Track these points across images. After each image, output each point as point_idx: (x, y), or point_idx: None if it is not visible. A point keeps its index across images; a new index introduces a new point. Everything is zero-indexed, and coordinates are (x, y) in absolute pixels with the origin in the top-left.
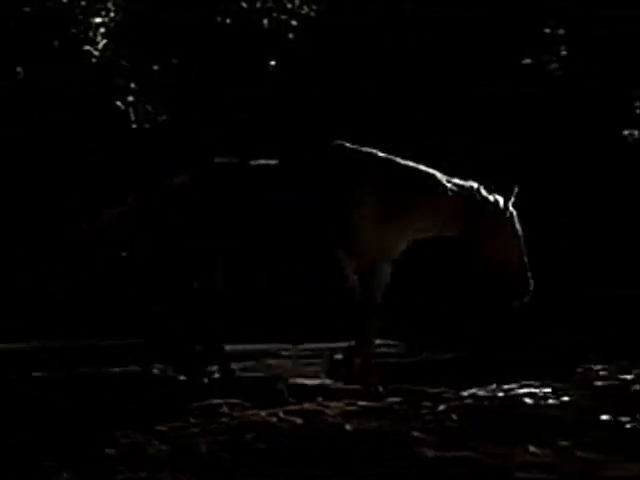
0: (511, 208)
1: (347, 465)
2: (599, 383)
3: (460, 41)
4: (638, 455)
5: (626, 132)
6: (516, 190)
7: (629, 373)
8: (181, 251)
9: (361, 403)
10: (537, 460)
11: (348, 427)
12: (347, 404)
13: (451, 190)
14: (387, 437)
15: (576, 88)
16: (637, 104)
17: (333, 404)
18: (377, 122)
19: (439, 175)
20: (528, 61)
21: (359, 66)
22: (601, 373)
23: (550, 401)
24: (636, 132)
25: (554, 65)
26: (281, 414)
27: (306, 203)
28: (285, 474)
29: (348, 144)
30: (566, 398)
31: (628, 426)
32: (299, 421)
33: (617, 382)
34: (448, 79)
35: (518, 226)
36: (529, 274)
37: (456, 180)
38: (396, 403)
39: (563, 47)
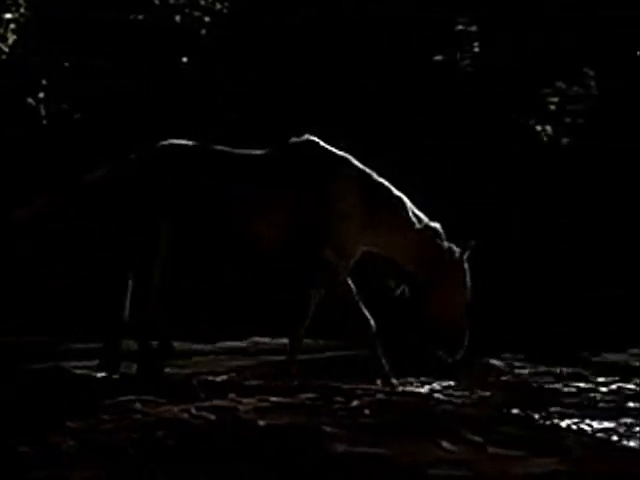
0: (465, 263)
1: (259, 460)
2: (506, 378)
3: (371, 38)
4: (549, 450)
5: (539, 128)
6: (473, 244)
7: (529, 368)
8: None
9: (274, 399)
10: (449, 456)
11: (261, 423)
12: (260, 400)
13: (419, 222)
14: (299, 433)
15: (488, 84)
16: (549, 100)
17: (246, 400)
18: (290, 119)
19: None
20: (439, 58)
21: (271, 62)
22: (505, 369)
23: (462, 397)
24: (549, 128)
25: (466, 62)
26: (193, 410)
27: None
28: (197, 470)
29: (321, 142)
30: (477, 394)
31: (539, 421)
32: (212, 417)
33: (525, 377)
34: (365, 75)
35: (469, 280)
36: (466, 332)
37: (420, 214)
38: (309, 399)
39: (476, 44)
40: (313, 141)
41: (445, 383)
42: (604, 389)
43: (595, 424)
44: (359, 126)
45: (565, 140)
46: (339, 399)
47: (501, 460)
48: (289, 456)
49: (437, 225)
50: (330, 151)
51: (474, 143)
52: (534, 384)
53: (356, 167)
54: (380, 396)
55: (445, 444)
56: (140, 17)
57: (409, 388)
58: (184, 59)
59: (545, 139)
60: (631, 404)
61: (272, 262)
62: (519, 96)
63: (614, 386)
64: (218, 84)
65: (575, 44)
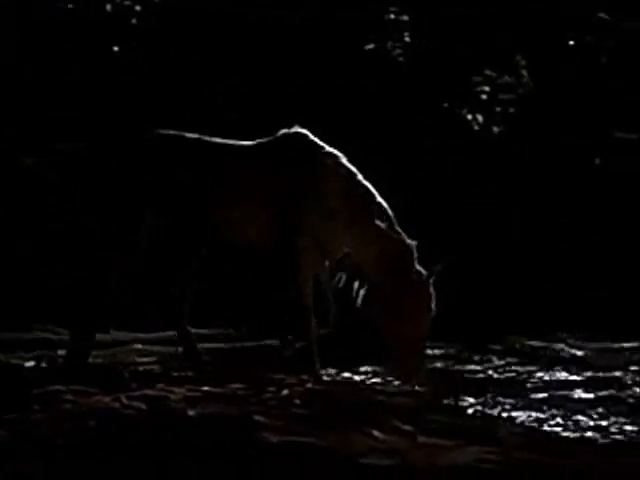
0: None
1: (189, 450)
2: (439, 365)
3: (301, 27)
4: (479, 439)
5: (470, 117)
6: (439, 269)
7: (463, 357)
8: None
9: (204, 388)
10: (380, 446)
11: (191, 412)
12: (190, 390)
13: (397, 235)
14: (230, 422)
15: (420, 74)
16: (480, 89)
17: (176, 390)
18: (221, 110)
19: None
20: (371, 47)
21: (204, 52)
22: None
23: (393, 387)
24: (480, 117)
25: (398, 51)
26: (124, 400)
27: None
28: (129, 460)
29: (310, 135)
30: (409, 383)
31: (469, 410)
32: (143, 407)
33: (456, 367)
34: (294, 65)
35: (433, 305)
36: (421, 358)
37: (399, 228)
38: (240, 388)
39: (406, 33)
40: (302, 133)
41: (377, 372)
42: (536, 378)
43: (526, 414)
44: (293, 117)
45: (496, 129)
46: (270, 389)
47: (431, 449)
48: (220, 446)
49: (413, 243)
50: (319, 145)
51: (407, 132)
52: (466, 374)
53: (344, 165)
54: (311, 386)
55: (376, 433)
56: (70, 6)
57: (340, 377)
58: (115, 48)
59: (476, 128)
60: (562, 393)
61: (257, 257)
62: (450, 85)
63: (547, 376)
64: (151, 72)
65: (506, 32)
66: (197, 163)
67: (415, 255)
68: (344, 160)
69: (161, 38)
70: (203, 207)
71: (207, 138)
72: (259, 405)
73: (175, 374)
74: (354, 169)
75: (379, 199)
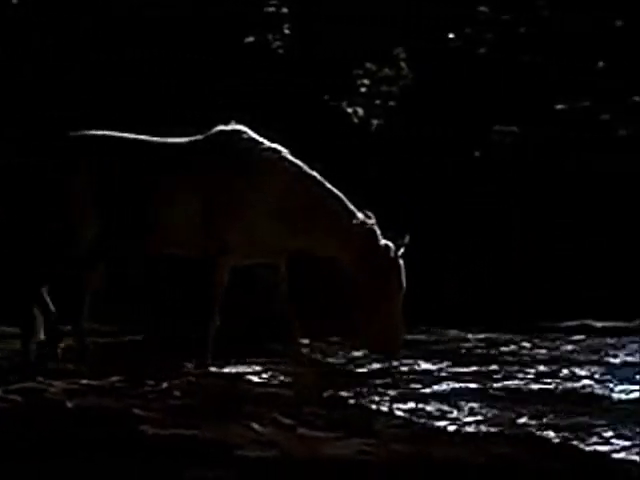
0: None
1: (67, 443)
2: (322, 361)
3: (181, 20)
4: (359, 431)
5: (350, 110)
6: (406, 241)
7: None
8: None
9: (83, 381)
10: (259, 438)
11: (70, 405)
12: (69, 383)
13: (354, 218)
14: (109, 415)
15: (301, 66)
16: (360, 82)
17: (55, 383)
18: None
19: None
20: (251, 39)
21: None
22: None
23: (273, 378)
24: (360, 110)
25: (278, 43)
26: (0, 393)
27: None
28: (2, 454)
29: (250, 131)
30: (289, 375)
31: (351, 402)
32: (19, 400)
33: (336, 360)
34: (172, 59)
35: (403, 278)
36: (400, 331)
37: (354, 209)
38: (118, 381)
39: (287, 25)
40: (240, 130)
41: (258, 365)
42: (419, 370)
43: (406, 406)
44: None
45: (375, 122)
46: (149, 381)
47: (311, 441)
48: (99, 438)
49: (372, 221)
50: (258, 140)
51: (287, 125)
52: (348, 366)
53: (288, 160)
54: (190, 378)
55: (255, 426)
56: None
57: (221, 370)
58: None
59: (356, 121)
60: (445, 386)
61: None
62: (330, 78)
63: (434, 367)
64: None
65: (386, 25)
66: (125, 163)
67: (378, 231)
68: (288, 155)
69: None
70: (135, 209)
71: (135, 136)
72: (138, 398)
73: (56, 367)
74: (300, 163)
75: (331, 188)
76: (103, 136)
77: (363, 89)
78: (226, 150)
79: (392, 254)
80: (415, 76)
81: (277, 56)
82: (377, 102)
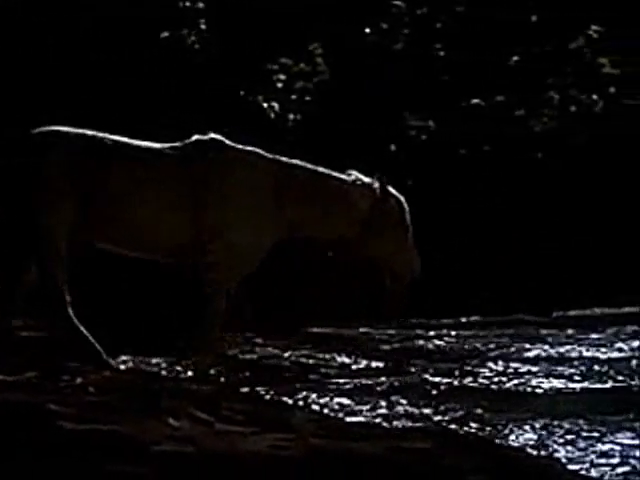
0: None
1: None
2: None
3: (95, 15)
4: (275, 426)
5: (265, 105)
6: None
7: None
8: None
9: None
10: (174, 433)
11: None
12: None
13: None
14: (24, 411)
15: (217, 61)
16: (275, 77)
17: None
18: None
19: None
20: (166, 35)
21: None
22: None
23: (189, 374)
24: (276, 105)
25: (193, 39)
26: None
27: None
28: None
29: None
30: (207, 370)
31: (268, 397)
32: None
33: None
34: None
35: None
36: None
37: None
38: (34, 377)
39: (202, 20)
40: (217, 139)
41: (172, 359)
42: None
43: (323, 400)
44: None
45: (292, 117)
46: (64, 377)
47: (228, 437)
48: (14, 434)
49: (366, 179)
50: (235, 148)
51: (203, 120)
52: (264, 360)
53: (264, 157)
54: (106, 374)
55: (171, 421)
56: None
57: (135, 366)
58: None
59: (273, 116)
60: (364, 381)
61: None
62: (246, 73)
63: (349, 360)
64: None
65: (301, 20)
66: (111, 168)
67: (374, 185)
68: (268, 155)
69: None
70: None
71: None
72: (54, 393)
73: None
74: (284, 159)
75: (312, 166)
76: (76, 135)
77: (279, 84)
78: (210, 157)
79: (392, 202)
80: (331, 71)
81: (193, 51)
82: (293, 97)
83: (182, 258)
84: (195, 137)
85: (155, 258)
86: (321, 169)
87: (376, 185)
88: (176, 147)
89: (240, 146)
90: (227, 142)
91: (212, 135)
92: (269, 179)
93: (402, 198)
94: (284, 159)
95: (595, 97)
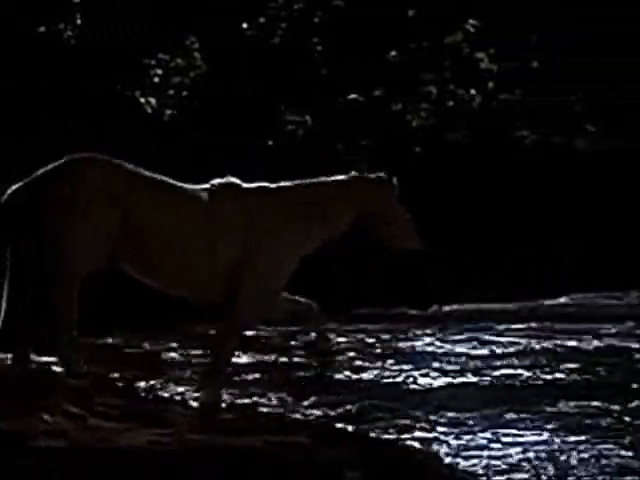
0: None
1: None
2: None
3: None
4: (152, 421)
5: (142, 100)
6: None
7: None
8: None
9: None
10: (48, 428)
11: None
12: None
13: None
14: None
15: (94, 56)
16: (152, 72)
17: None
18: None
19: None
20: (43, 30)
21: None
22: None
23: (57, 369)
24: (153, 100)
25: (70, 33)
26: None
27: None
28: None
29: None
30: (84, 366)
31: (145, 392)
32: None
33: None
34: None
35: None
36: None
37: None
38: None
39: (79, 15)
40: (233, 183)
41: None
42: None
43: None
44: None
45: (169, 112)
46: None
47: (103, 432)
48: None
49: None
50: (251, 190)
51: (83, 115)
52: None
53: (271, 191)
54: None
55: (46, 416)
56: None
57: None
58: None
59: (149, 111)
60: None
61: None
62: (123, 68)
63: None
64: None
65: (179, 14)
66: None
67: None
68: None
69: None
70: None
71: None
72: None
73: None
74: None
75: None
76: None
77: (156, 79)
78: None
79: (385, 184)
80: (208, 66)
81: (69, 46)
82: (170, 92)
83: (208, 297)
84: (216, 181)
85: (182, 294)
86: (310, 181)
87: (372, 177)
88: (202, 189)
89: (253, 185)
90: (244, 185)
91: (231, 179)
92: (290, 212)
93: (395, 183)
94: (284, 184)
95: (473, 92)
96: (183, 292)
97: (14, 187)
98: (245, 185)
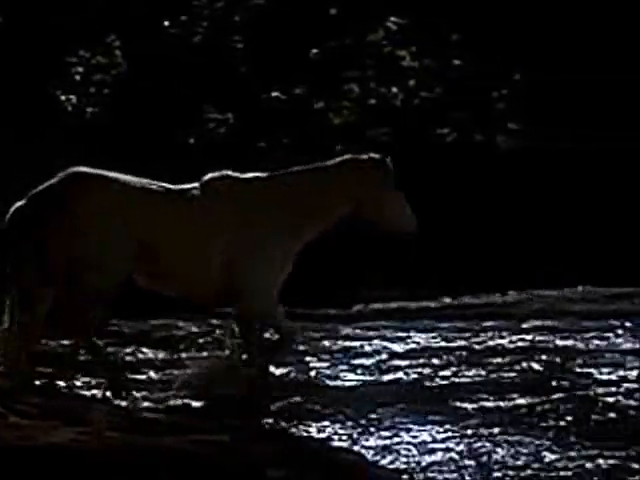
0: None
1: None
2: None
3: None
4: (73, 420)
5: (63, 98)
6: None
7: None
8: None
9: None
10: None
11: None
12: None
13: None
14: None
15: (14, 52)
16: (74, 70)
17: None
18: None
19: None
20: None
21: None
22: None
23: None
24: (73, 97)
25: None
26: None
27: None
28: None
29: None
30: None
31: (65, 390)
32: None
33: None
34: None
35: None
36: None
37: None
38: None
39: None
40: (229, 175)
41: None
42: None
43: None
44: None
45: (90, 110)
46: None
47: (24, 429)
48: None
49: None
50: (241, 179)
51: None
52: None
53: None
54: None
55: None
56: None
57: None
58: None
59: (70, 109)
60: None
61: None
62: (44, 65)
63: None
64: None
65: (100, 11)
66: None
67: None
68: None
69: None
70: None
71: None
72: None
73: None
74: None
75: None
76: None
77: (77, 77)
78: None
79: (379, 168)
80: (129, 64)
81: None
82: (91, 90)
83: (214, 300)
84: (209, 176)
85: (190, 297)
86: (300, 168)
87: (365, 159)
88: (195, 187)
89: (248, 175)
90: (239, 176)
91: (225, 172)
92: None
93: (389, 165)
94: (278, 173)
95: (395, 90)
96: (189, 294)
97: (17, 205)
98: (238, 177)
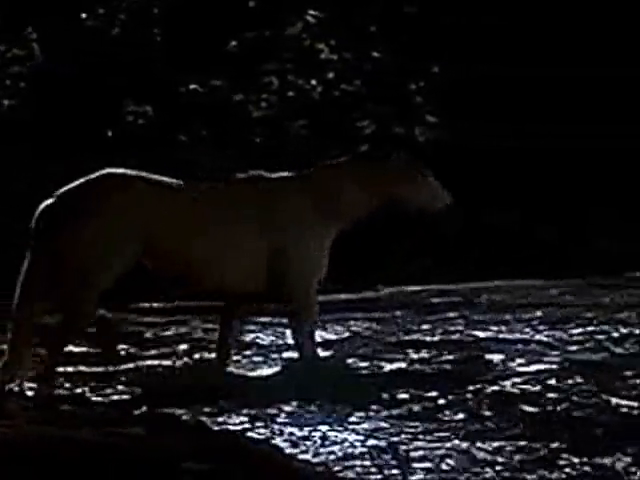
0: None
1: None
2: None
3: None
4: None
5: None
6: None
7: None
8: None
9: None
10: None
11: None
12: None
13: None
14: None
15: None
16: None
17: None
18: None
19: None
20: None
21: None
22: None
23: None
24: None
25: None
26: None
27: None
28: None
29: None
30: None
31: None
32: None
33: None
34: None
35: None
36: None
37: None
38: None
39: None
40: (259, 174)
41: None
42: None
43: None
44: None
45: (7, 103)
46: None
47: None
48: None
49: (344, 159)
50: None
51: None
52: None
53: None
54: None
55: None
56: None
57: None
58: None
59: None
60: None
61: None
62: None
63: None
64: None
65: (16, 3)
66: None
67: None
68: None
69: None
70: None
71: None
72: None
73: None
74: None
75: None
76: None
77: None
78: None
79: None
80: (46, 56)
81: None
82: (7, 83)
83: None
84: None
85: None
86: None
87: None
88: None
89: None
90: (265, 175)
91: (252, 172)
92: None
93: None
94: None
95: (314, 82)
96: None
97: (46, 202)
98: (267, 175)
